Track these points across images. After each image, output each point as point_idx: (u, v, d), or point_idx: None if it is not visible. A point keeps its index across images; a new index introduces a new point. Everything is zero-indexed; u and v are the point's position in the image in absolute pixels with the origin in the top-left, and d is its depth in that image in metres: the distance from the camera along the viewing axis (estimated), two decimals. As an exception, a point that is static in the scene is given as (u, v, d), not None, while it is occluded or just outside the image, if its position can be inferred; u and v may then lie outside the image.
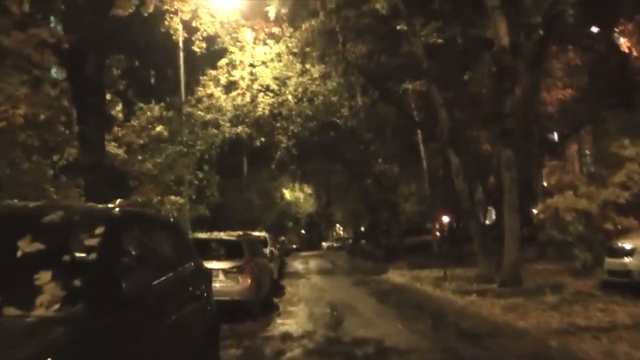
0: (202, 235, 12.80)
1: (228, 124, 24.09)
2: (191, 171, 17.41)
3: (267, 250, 16.25)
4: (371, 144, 28.99)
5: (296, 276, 24.17)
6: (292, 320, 11.14)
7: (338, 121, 27.57)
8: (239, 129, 24.10)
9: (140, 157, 13.78)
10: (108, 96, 13.91)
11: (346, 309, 12.53)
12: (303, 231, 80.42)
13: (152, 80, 27.06)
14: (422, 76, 17.94)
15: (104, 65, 11.29)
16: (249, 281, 10.90)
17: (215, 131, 23.60)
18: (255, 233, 17.18)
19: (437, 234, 30.87)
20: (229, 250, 11.44)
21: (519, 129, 14.12)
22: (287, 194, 56.95)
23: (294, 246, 59.67)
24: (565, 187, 17.06)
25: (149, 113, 15.07)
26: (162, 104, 16.13)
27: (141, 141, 14.89)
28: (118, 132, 14.38)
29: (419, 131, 28.90)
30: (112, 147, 13.13)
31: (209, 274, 6.06)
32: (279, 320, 11.19)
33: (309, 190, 59.35)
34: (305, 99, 26.95)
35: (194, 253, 5.53)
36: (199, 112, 23.37)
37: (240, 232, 12.97)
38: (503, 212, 17.27)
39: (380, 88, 23.69)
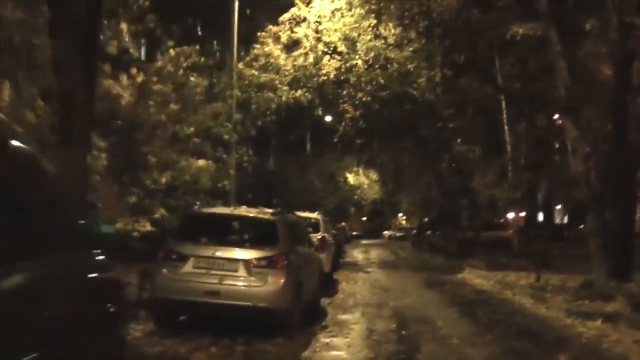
0: (222, 210, 9.39)
1: (286, 87, 20.80)
2: (218, 123, 13.83)
3: (317, 237, 12.81)
4: (450, 121, 25.00)
5: (354, 268, 20.81)
6: (342, 341, 7.70)
7: (414, 92, 23.74)
8: (298, 92, 20.74)
9: (152, 103, 10.44)
10: (124, 26, 10.81)
11: (420, 326, 9.00)
12: (364, 218, 77.64)
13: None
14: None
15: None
16: (283, 280, 7.41)
17: (271, 94, 20.37)
18: (305, 214, 13.70)
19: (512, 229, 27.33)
20: (257, 234, 7.89)
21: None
22: (351, 178, 54.08)
23: (355, 233, 56.82)
24: None
25: (173, 52, 11.71)
26: (197, 46, 12.78)
27: (169, 90, 11.72)
28: (137, 77, 11.17)
29: (504, 111, 24.81)
30: (110, 85, 9.88)
31: (112, 292, 2.51)
32: (323, 339, 7.77)
33: (374, 177, 56.32)
34: (377, 65, 23.40)
35: (70, 237, 2.07)
36: (253, 72, 20.20)
37: (277, 210, 9.40)
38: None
39: (467, 51, 19.74)
